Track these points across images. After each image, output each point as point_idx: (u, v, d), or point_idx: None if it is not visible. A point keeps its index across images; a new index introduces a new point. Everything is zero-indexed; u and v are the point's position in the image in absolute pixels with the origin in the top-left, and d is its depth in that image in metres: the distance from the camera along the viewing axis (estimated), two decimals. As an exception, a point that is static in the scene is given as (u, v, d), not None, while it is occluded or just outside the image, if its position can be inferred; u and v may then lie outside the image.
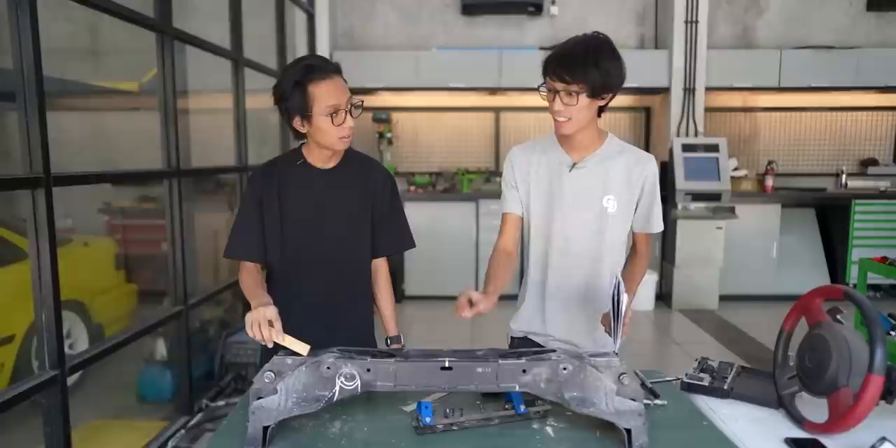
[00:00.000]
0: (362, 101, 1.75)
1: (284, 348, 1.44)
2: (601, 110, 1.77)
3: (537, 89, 1.73)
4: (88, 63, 4.73)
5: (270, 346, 1.47)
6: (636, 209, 1.83)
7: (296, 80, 1.66)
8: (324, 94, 1.66)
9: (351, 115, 1.70)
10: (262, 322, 1.47)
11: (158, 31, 3.03)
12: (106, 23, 3.38)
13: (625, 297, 1.50)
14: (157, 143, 3.12)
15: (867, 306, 1.36)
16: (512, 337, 1.99)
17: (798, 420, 1.44)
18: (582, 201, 1.80)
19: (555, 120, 1.72)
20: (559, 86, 1.66)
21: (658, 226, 1.85)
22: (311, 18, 5.57)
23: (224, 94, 4.01)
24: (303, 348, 1.41)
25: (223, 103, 4.04)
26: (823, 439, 1.35)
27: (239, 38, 3.99)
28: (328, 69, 1.68)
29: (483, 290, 1.67)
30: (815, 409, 1.43)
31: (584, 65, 1.61)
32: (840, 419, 1.32)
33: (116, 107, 4.76)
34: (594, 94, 1.66)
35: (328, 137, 1.71)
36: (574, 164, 1.80)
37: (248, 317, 1.50)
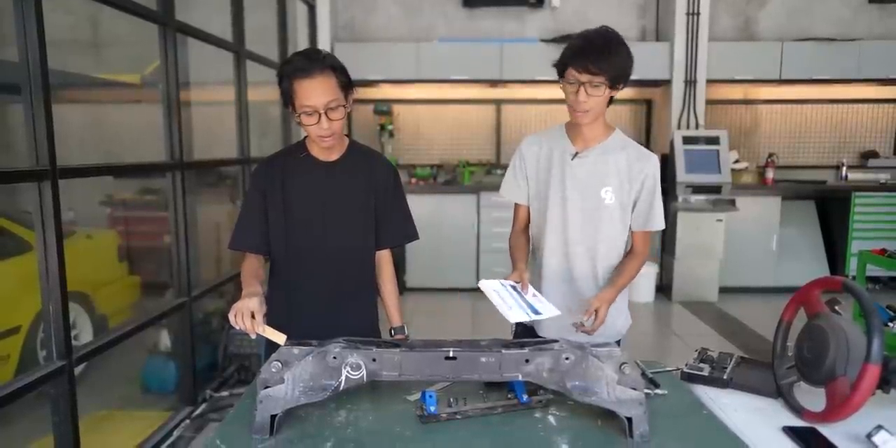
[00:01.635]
0: (346, 105, 1.70)
1: (289, 339, 1.46)
2: (609, 102, 1.79)
3: (557, 81, 1.76)
4: (90, 55, 4.72)
5: (253, 336, 1.52)
6: (634, 206, 1.86)
7: (284, 74, 1.68)
8: (302, 94, 1.66)
9: (328, 117, 1.67)
10: (245, 313, 1.49)
11: (160, 24, 3.03)
12: (107, 14, 3.37)
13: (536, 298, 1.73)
14: (159, 135, 3.13)
15: (865, 297, 1.38)
16: (516, 323, 2.01)
17: (796, 409, 1.46)
18: (580, 190, 1.84)
19: (575, 111, 1.75)
20: (584, 77, 1.69)
21: (658, 223, 1.86)
22: (312, 10, 5.55)
23: (226, 86, 4.02)
24: (280, 338, 1.45)
25: (225, 96, 4.04)
26: (821, 428, 1.37)
27: (240, 30, 3.99)
28: (313, 68, 1.65)
29: (514, 267, 1.85)
30: (813, 398, 1.45)
31: (608, 55, 1.67)
32: (837, 408, 1.35)
33: (118, 99, 4.76)
34: (613, 83, 1.70)
35: (310, 133, 1.73)
36: (576, 153, 1.84)
37: (233, 307, 1.52)
